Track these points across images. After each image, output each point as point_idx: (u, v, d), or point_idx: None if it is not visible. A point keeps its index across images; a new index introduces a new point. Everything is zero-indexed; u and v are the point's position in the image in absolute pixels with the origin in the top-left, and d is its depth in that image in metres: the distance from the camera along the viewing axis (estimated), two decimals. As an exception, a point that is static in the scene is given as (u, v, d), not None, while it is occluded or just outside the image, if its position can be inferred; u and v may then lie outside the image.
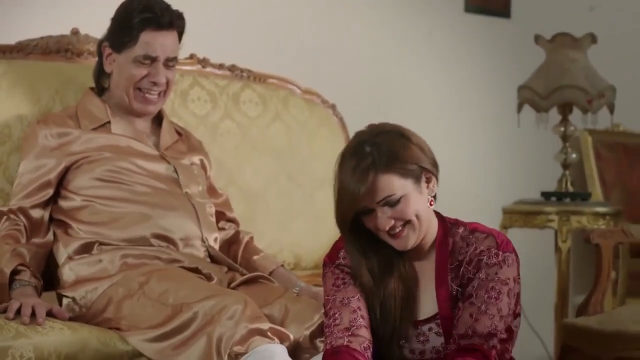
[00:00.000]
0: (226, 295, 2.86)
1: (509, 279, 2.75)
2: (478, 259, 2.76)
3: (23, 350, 2.75)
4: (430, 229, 2.82)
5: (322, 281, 2.89)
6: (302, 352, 2.90)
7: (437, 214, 2.85)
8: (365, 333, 2.74)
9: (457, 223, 2.86)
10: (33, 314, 2.84)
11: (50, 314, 2.90)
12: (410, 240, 2.75)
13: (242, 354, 2.71)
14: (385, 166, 2.68)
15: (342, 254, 2.85)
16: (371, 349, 2.76)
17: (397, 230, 2.73)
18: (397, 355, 2.82)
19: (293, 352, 2.85)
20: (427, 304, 2.83)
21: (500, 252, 2.76)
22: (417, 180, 2.73)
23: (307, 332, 2.92)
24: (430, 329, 2.81)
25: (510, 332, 2.84)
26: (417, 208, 2.73)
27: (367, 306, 2.80)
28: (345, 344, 2.70)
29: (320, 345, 2.89)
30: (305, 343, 2.91)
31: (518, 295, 2.82)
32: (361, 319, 2.76)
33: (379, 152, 2.69)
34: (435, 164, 2.78)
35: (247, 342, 2.73)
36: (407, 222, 2.73)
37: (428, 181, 2.76)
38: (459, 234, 2.82)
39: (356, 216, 2.75)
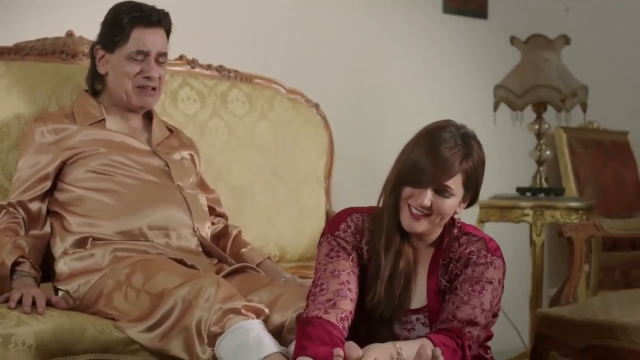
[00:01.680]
0: (200, 278, 2.89)
1: (493, 279, 2.82)
2: (467, 258, 2.83)
3: (25, 337, 2.79)
4: (437, 231, 2.89)
5: (317, 250, 2.92)
6: (288, 333, 2.91)
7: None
8: (346, 305, 2.78)
9: (453, 222, 2.92)
10: (33, 304, 2.88)
11: (49, 304, 2.94)
12: (422, 227, 2.81)
13: (220, 334, 2.77)
14: (467, 167, 2.78)
15: (342, 226, 2.89)
16: (349, 320, 2.79)
17: (420, 213, 2.79)
18: (385, 335, 2.85)
19: (279, 333, 2.89)
20: (419, 295, 2.89)
21: (489, 255, 2.84)
22: (465, 195, 2.81)
23: (294, 315, 2.92)
24: (417, 319, 2.88)
25: (489, 331, 2.90)
26: (449, 212, 2.81)
27: (375, 276, 2.85)
28: (320, 315, 2.74)
29: None
30: (291, 324, 2.92)
31: (500, 297, 2.87)
32: (347, 291, 2.79)
33: (472, 154, 2.79)
34: (477, 195, 2.89)
35: (222, 321, 2.78)
36: (430, 215, 2.79)
37: (464, 201, 2.84)
38: (454, 233, 2.89)
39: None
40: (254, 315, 2.82)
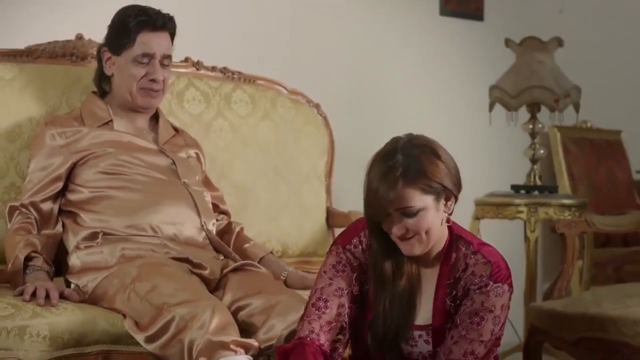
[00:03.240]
0: (200, 301, 2.90)
1: (494, 306, 2.75)
2: (469, 287, 2.78)
3: (39, 329, 2.84)
4: (440, 241, 2.83)
5: (326, 255, 2.90)
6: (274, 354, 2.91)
7: (448, 226, 2.86)
8: (343, 330, 2.83)
9: (463, 237, 2.86)
10: (47, 296, 2.94)
11: (62, 296, 3.00)
12: (416, 249, 2.77)
13: None
14: (412, 180, 2.68)
15: (355, 241, 2.88)
16: (344, 345, 2.84)
17: (407, 237, 2.75)
18: (397, 352, 2.85)
19: (268, 348, 2.94)
20: (424, 312, 2.86)
21: (491, 283, 2.75)
22: (438, 198, 2.74)
23: (285, 332, 2.93)
24: (420, 336, 2.85)
25: (491, 352, 2.84)
26: (431, 224, 2.74)
27: (375, 301, 2.83)
28: (312, 337, 2.78)
29: None
30: (279, 342, 2.92)
31: (503, 322, 2.80)
32: (346, 316, 2.83)
33: (409, 164, 2.69)
34: (458, 184, 2.79)
35: (210, 352, 2.79)
36: (417, 234, 2.75)
37: (447, 199, 2.77)
38: (462, 251, 2.83)
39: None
40: (242, 351, 2.83)
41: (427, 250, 2.81)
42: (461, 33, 5.76)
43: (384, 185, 2.69)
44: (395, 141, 2.77)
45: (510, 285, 2.80)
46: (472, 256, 2.81)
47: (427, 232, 2.75)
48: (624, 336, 3.41)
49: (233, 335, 2.84)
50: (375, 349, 2.84)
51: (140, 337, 2.95)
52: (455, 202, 2.81)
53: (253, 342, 2.88)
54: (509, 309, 2.82)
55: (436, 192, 2.73)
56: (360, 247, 2.88)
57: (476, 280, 2.77)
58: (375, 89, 5.37)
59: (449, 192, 2.77)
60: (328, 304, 2.82)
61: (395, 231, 2.74)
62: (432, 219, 2.74)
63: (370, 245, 2.84)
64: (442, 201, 2.76)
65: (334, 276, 2.85)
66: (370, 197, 2.73)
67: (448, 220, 2.82)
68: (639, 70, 6.66)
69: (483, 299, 2.75)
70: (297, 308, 2.94)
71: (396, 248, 2.79)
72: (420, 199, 2.71)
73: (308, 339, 2.78)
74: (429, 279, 2.86)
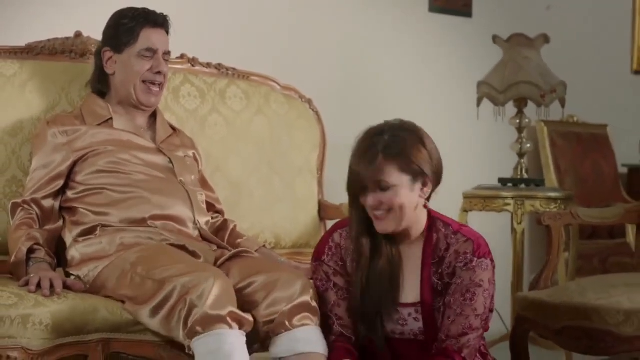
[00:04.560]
0: (201, 271, 2.93)
1: (482, 280, 2.87)
2: (455, 265, 2.89)
3: (42, 317, 2.88)
4: (418, 223, 2.94)
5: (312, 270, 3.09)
6: (276, 327, 2.99)
7: (428, 210, 2.97)
8: (348, 340, 3.01)
9: (442, 219, 2.98)
10: (51, 286, 2.98)
11: (65, 286, 3.04)
12: (389, 226, 2.89)
13: (200, 333, 2.84)
14: (392, 156, 2.82)
15: (326, 250, 3.02)
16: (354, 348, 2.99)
17: (380, 213, 2.87)
18: (380, 332, 2.96)
19: (270, 322, 2.99)
20: (410, 291, 2.96)
21: (475, 258, 2.88)
22: (414, 179, 2.86)
23: (286, 309, 2.97)
24: (409, 314, 2.96)
25: (486, 325, 2.95)
26: (404, 202, 2.85)
27: (354, 280, 2.95)
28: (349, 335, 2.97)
29: (297, 325, 2.97)
30: (282, 317, 2.97)
31: (492, 295, 2.92)
32: (345, 327, 3.00)
33: (393, 142, 2.83)
34: (437, 174, 2.90)
35: (204, 324, 2.83)
36: (390, 210, 2.86)
37: (424, 185, 2.88)
38: (442, 232, 2.94)
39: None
40: (236, 326, 2.88)
41: (405, 232, 2.93)
42: (450, 29, 5.79)
43: (366, 158, 2.83)
44: (386, 122, 2.91)
45: (492, 261, 2.93)
46: (452, 236, 2.93)
47: (400, 209, 2.87)
48: (608, 325, 3.44)
49: (230, 307, 2.88)
50: (365, 329, 2.96)
51: (144, 312, 2.98)
52: (433, 189, 2.93)
53: (248, 317, 2.92)
54: (494, 284, 2.94)
55: (413, 174, 2.86)
56: (330, 253, 3.02)
57: (461, 258, 2.89)
58: (366, 84, 5.40)
59: (427, 179, 2.89)
60: (333, 314, 3.01)
61: (370, 201, 2.87)
62: (405, 197, 2.86)
63: (350, 219, 2.96)
64: (419, 185, 2.87)
65: (324, 292, 3.02)
66: (353, 168, 2.87)
67: (425, 206, 2.94)
68: (624, 66, 6.73)
69: (470, 274, 2.88)
70: (297, 282, 3.02)
71: (371, 232, 2.92)
72: (397, 176, 2.84)
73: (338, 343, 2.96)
74: (413, 260, 2.97)
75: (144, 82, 3.45)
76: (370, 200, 2.87)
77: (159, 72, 3.45)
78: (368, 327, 2.97)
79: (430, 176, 2.89)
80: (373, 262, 2.94)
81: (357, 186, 2.88)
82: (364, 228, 2.94)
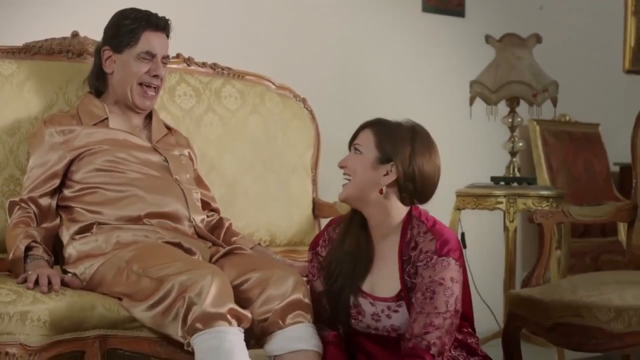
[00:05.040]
0: (198, 269, 2.97)
1: (443, 279, 2.89)
2: (417, 265, 2.93)
3: (40, 314, 2.90)
4: (389, 216, 3.00)
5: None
6: (270, 326, 3.03)
7: (411, 208, 3.02)
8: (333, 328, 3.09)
9: (420, 217, 3.01)
10: (49, 283, 3.00)
11: (62, 283, 3.07)
12: (344, 190, 2.99)
13: (200, 330, 2.87)
14: (376, 129, 2.96)
15: (321, 242, 3.10)
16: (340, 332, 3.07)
17: (346, 177, 2.99)
18: (342, 316, 3.03)
19: (264, 320, 3.04)
20: (385, 286, 3.01)
21: (436, 257, 2.90)
22: (381, 160, 2.94)
23: (279, 307, 3.02)
24: (382, 311, 3.00)
25: (451, 326, 2.93)
26: (360, 171, 2.96)
27: (323, 265, 3.06)
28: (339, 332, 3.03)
29: (290, 323, 3.01)
30: (275, 316, 3.02)
31: (456, 296, 2.91)
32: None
33: (385, 124, 2.97)
34: (409, 177, 2.94)
35: (205, 321, 2.87)
36: (348, 172, 2.98)
37: (387, 173, 2.94)
38: (415, 229, 2.98)
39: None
40: (235, 322, 2.91)
41: (377, 223, 3.00)
42: (443, 29, 5.79)
43: (364, 124, 3.01)
44: (410, 120, 3.03)
45: (458, 260, 2.93)
46: (422, 235, 2.97)
47: (354, 175, 2.97)
48: (599, 322, 3.44)
49: (229, 304, 2.91)
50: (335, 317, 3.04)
51: (141, 308, 3.02)
52: (397, 185, 2.96)
53: (247, 314, 2.95)
54: (460, 283, 2.94)
55: (384, 154, 2.95)
56: (324, 244, 3.09)
57: (422, 257, 2.94)
58: (359, 83, 5.42)
59: (393, 169, 2.93)
60: (320, 303, 3.07)
61: (341, 159, 3.00)
62: (364, 167, 2.96)
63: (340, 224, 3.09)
64: (383, 168, 2.93)
65: (313, 281, 3.09)
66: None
67: (380, 191, 2.97)
68: (616, 66, 6.76)
69: (430, 272, 2.91)
70: (290, 279, 3.08)
71: (353, 230, 3.02)
72: (368, 146, 2.96)
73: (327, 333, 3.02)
74: (389, 256, 3.02)
75: (140, 84, 3.47)
76: (343, 157, 3.01)
77: (156, 76, 3.47)
78: (332, 310, 3.04)
79: (398, 169, 2.94)
80: (341, 245, 3.02)
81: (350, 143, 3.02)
82: (351, 222, 3.04)
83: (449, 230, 3.00)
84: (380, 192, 2.96)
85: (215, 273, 2.96)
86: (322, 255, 3.08)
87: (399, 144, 2.94)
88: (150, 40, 3.46)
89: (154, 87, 3.50)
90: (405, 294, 2.96)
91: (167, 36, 3.53)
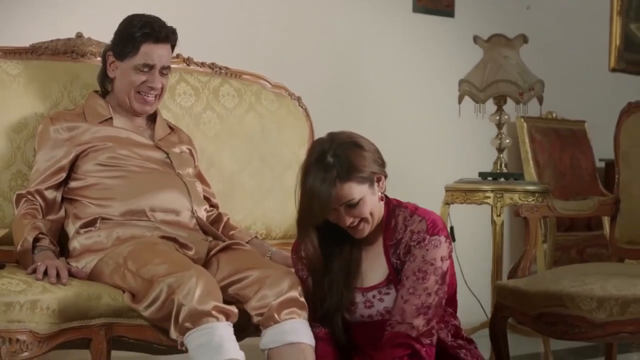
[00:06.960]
0: (184, 271, 3.01)
1: (434, 259, 2.95)
2: (410, 244, 2.99)
3: (49, 303, 2.97)
4: (379, 214, 3.05)
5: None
6: (266, 320, 3.08)
7: (385, 198, 3.07)
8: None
9: (400, 205, 3.07)
10: (57, 275, 3.07)
11: (70, 274, 3.14)
12: (366, 231, 3.01)
13: (191, 328, 2.93)
14: (346, 177, 2.90)
15: (302, 246, 3.10)
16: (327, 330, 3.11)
17: (355, 224, 2.99)
18: (339, 328, 3.07)
19: (259, 314, 3.09)
20: (374, 275, 3.07)
21: (428, 236, 2.96)
22: (371, 183, 2.98)
23: (275, 303, 3.06)
24: (374, 296, 3.06)
25: (439, 308, 2.98)
26: (372, 207, 2.98)
27: (316, 282, 3.08)
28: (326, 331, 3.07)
29: (285, 318, 3.05)
30: (270, 311, 3.07)
31: (444, 278, 2.96)
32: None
33: (341, 164, 2.90)
34: (383, 164, 2.99)
35: (193, 320, 2.92)
36: (363, 219, 2.99)
37: (379, 180, 3.00)
38: (401, 216, 3.04)
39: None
40: (223, 318, 2.96)
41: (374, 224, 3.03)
42: (433, 29, 5.83)
43: (324, 187, 2.90)
44: (320, 144, 2.97)
45: (447, 237, 2.99)
46: (409, 218, 3.02)
47: (371, 214, 2.99)
48: (581, 311, 3.49)
49: (213, 301, 2.96)
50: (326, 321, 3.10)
51: (141, 307, 3.08)
52: (385, 178, 3.02)
53: (233, 308, 3.00)
54: (449, 260, 3.01)
55: (369, 180, 2.97)
56: (304, 247, 3.10)
57: (414, 237, 2.99)
58: (352, 82, 5.46)
59: (379, 175, 2.99)
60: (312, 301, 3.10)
61: (347, 221, 2.97)
62: (371, 202, 2.98)
63: (304, 243, 3.05)
64: (376, 185, 2.99)
65: (304, 282, 3.13)
66: (313, 200, 2.92)
67: (382, 198, 3.03)
68: (601, 65, 6.83)
69: (423, 253, 2.96)
70: (286, 279, 3.13)
71: (327, 238, 3.03)
72: (358, 190, 2.94)
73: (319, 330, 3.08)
74: (374, 246, 3.08)
75: (138, 92, 3.52)
76: (347, 220, 2.98)
77: (151, 87, 3.51)
78: (329, 324, 3.10)
79: (380, 171, 3.00)
80: (331, 266, 3.07)
81: (323, 214, 2.95)
82: (318, 246, 3.04)
83: (433, 212, 3.06)
84: (381, 199, 3.04)
85: (200, 274, 3.02)
86: (305, 259, 3.10)
87: (363, 162, 2.96)
88: (149, 52, 3.47)
89: (154, 94, 3.54)
90: (395, 277, 3.01)
91: (173, 45, 3.54)
